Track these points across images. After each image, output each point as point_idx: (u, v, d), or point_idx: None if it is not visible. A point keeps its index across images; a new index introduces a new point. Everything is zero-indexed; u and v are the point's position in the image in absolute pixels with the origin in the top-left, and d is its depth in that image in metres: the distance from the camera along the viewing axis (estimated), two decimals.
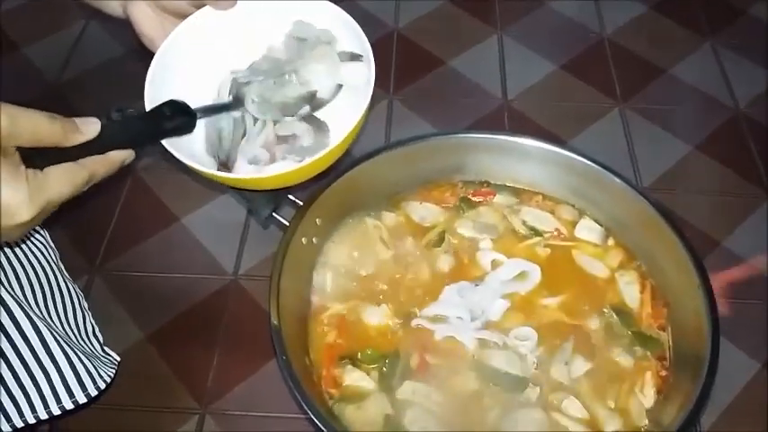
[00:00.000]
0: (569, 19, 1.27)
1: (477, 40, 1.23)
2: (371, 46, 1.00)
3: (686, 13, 1.28)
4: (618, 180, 0.82)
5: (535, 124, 1.10)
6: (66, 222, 0.97)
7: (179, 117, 0.70)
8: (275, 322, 0.70)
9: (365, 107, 0.75)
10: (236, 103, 0.78)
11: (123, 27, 1.01)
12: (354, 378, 0.74)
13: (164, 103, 0.70)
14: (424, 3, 1.28)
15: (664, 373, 0.75)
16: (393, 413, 0.72)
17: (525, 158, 0.86)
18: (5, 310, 0.68)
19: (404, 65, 1.18)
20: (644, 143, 1.08)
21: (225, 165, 0.77)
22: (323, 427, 0.63)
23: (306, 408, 0.64)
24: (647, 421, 0.72)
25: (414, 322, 0.78)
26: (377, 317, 0.78)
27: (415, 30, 1.24)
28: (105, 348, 0.81)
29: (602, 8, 1.29)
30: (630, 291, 0.80)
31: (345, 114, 0.77)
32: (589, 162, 0.84)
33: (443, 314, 0.78)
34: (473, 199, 0.88)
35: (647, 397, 0.73)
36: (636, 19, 1.28)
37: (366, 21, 1.22)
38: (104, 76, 1.13)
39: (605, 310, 0.80)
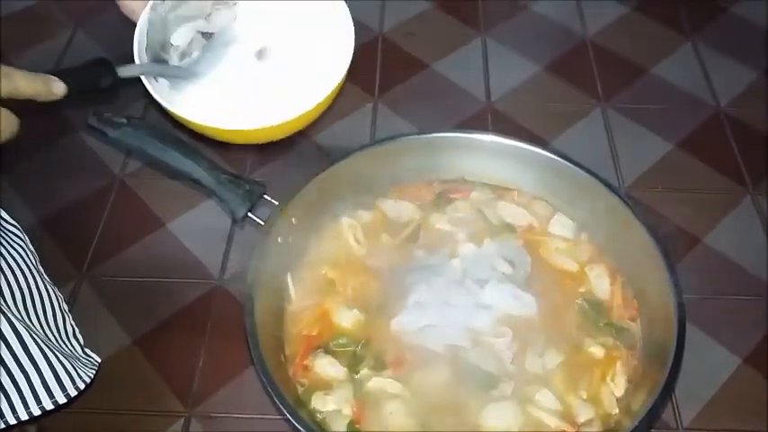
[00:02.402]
0: (552, 21, 1.28)
1: (461, 44, 1.24)
2: (357, 49, 1.02)
3: (668, 13, 1.29)
4: (589, 176, 0.83)
5: (518, 125, 1.10)
6: (53, 228, 0.98)
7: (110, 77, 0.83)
8: (250, 320, 0.71)
9: None
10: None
11: (110, 36, 1.03)
12: (323, 364, 0.75)
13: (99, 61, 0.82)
14: (408, 7, 1.29)
15: (634, 362, 0.76)
16: (362, 403, 0.73)
17: (500, 156, 0.88)
18: None
19: (388, 68, 1.19)
20: (626, 142, 1.09)
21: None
22: (291, 418, 0.64)
23: (276, 401, 0.65)
24: (617, 409, 0.73)
25: (391, 325, 0.79)
26: (351, 315, 0.79)
27: (399, 33, 1.25)
28: (86, 350, 0.81)
29: (584, 10, 1.30)
30: (601, 283, 0.82)
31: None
32: (560, 159, 0.85)
33: (418, 324, 0.79)
34: (449, 195, 0.90)
35: (618, 386, 0.74)
36: (618, 20, 1.28)
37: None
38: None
39: (577, 301, 0.81)
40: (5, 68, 0.68)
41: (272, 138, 0.98)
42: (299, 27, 1.02)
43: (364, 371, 0.75)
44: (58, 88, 0.74)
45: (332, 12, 0.99)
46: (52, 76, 0.75)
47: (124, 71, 0.85)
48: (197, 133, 0.96)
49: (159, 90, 0.91)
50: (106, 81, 0.83)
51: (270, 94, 1.01)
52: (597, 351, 0.77)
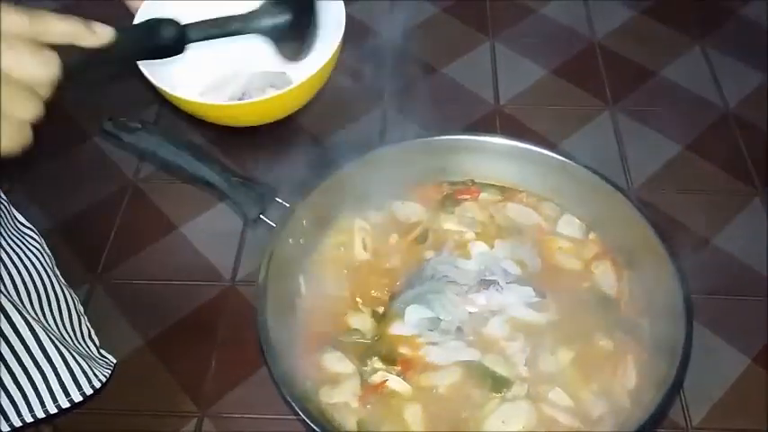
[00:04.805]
0: (560, 24, 1.29)
1: (470, 47, 1.24)
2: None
3: (676, 16, 1.29)
4: (596, 177, 0.84)
5: (527, 128, 1.11)
6: (68, 233, 1.00)
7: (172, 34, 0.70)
8: (261, 321, 0.72)
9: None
10: None
11: None
12: (332, 360, 0.76)
13: (160, 20, 0.70)
14: (416, 12, 1.30)
15: (644, 356, 0.76)
16: (370, 399, 0.74)
17: (508, 158, 0.89)
18: (2, 313, 0.70)
19: (398, 73, 1.20)
20: (634, 144, 1.09)
21: None
22: (300, 412, 0.65)
23: (286, 397, 0.66)
24: (629, 403, 0.73)
25: (401, 326, 0.80)
26: (362, 316, 0.80)
27: (408, 39, 1.25)
28: (101, 351, 0.82)
29: (592, 13, 1.30)
30: (607, 279, 0.83)
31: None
32: (568, 160, 0.86)
33: (428, 326, 0.80)
34: (458, 197, 0.91)
35: (630, 379, 0.75)
36: (626, 23, 1.29)
37: (361, 31, 1.25)
38: (103, 89, 1.15)
39: (586, 298, 0.82)
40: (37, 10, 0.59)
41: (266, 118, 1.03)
42: None
43: (374, 365, 0.76)
44: (103, 31, 0.63)
45: None
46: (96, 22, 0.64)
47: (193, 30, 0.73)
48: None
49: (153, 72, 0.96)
50: (168, 34, 0.70)
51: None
52: (607, 345, 0.78)
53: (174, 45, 0.71)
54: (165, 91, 0.97)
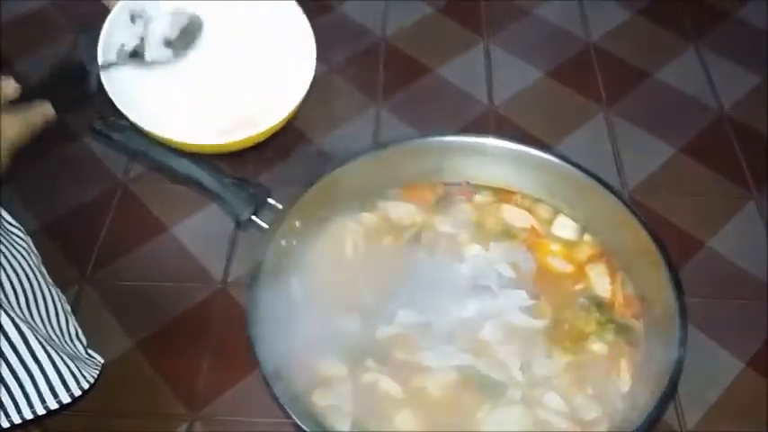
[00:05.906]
0: (555, 26, 1.28)
1: (464, 49, 1.24)
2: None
3: (671, 18, 1.29)
4: (590, 178, 0.84)
5: (521, 130, 1.11)
6: (57, 233, 0.99)
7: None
8: (253, 323, 0.72)
9: None
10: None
11: None
12: (325, 362, 0.76)
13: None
14: (411, 12, 1.30)
15: (638, 358, 0.77)
16: (363, 402, 0.73)
17: (503, 160, 0.89)
18: None
19: (392, 73, 1.19)
20: (629, 146, 1.09)
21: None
22: (292, 414, 0.65)
23: (278, 399, 0.66)
24: (623, 406, 0.73)
25: (392, 329, 0.79)
26: (353, 318, 0.80)
27: (402, 39, 1.25)
28: (89, 351, 0.82)
29: (587, 14, 1.30)
30: (601, 282, 0.83)
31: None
32: (562, 162, 0.86)
33: (422, 331, 0.79)
34: (452, 198, 0.90)
35: (623, 382, 0.75)
36: (621, 24, 1.28)
37: (354, 31, 1.25)
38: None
39: (580, 300, 0.81)
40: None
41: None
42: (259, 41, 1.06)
43: (366, 368, 0.76)
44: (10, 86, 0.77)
45: (294, 30, 1.02)
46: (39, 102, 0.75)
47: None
48: None
49: (121, 98, 0.91)
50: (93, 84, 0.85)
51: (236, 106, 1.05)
52: (601, 348, 0.78)
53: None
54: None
